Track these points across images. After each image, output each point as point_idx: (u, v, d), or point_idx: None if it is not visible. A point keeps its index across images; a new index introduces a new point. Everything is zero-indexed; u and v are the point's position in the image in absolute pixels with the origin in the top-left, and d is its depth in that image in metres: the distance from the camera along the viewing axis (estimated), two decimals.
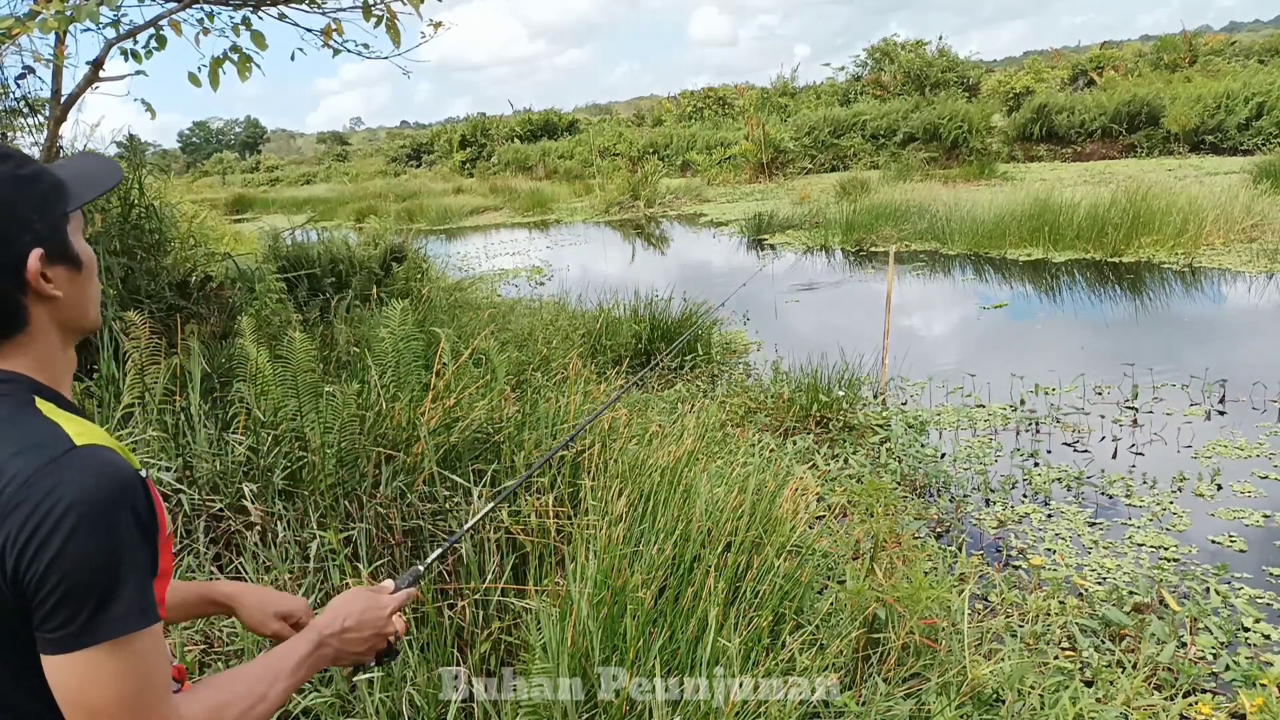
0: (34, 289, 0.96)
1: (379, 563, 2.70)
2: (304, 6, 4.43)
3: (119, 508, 0.89)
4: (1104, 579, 3.48)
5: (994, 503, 4.22)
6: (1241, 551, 3.64)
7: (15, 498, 0.86)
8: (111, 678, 0.88)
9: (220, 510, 2.91)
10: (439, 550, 1.56)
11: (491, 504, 1.77)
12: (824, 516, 3.73)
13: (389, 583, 1.33)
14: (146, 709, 0.90)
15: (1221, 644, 2.99)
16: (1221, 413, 5.13)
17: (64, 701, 0.89)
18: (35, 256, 0.96)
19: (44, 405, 0.96)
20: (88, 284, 1.04)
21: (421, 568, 1.43)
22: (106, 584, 0.88)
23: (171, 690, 0.95)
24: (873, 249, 11.68)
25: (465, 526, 1.63)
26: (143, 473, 0.96)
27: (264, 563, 2.71)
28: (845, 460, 4.66)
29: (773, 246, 12.98)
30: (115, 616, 0.88)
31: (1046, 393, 5.62)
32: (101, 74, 4.14)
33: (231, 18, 4.28)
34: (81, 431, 0.93)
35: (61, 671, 0.88)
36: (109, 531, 0.88)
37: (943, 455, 4.81)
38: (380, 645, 1.24)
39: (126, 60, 4.20)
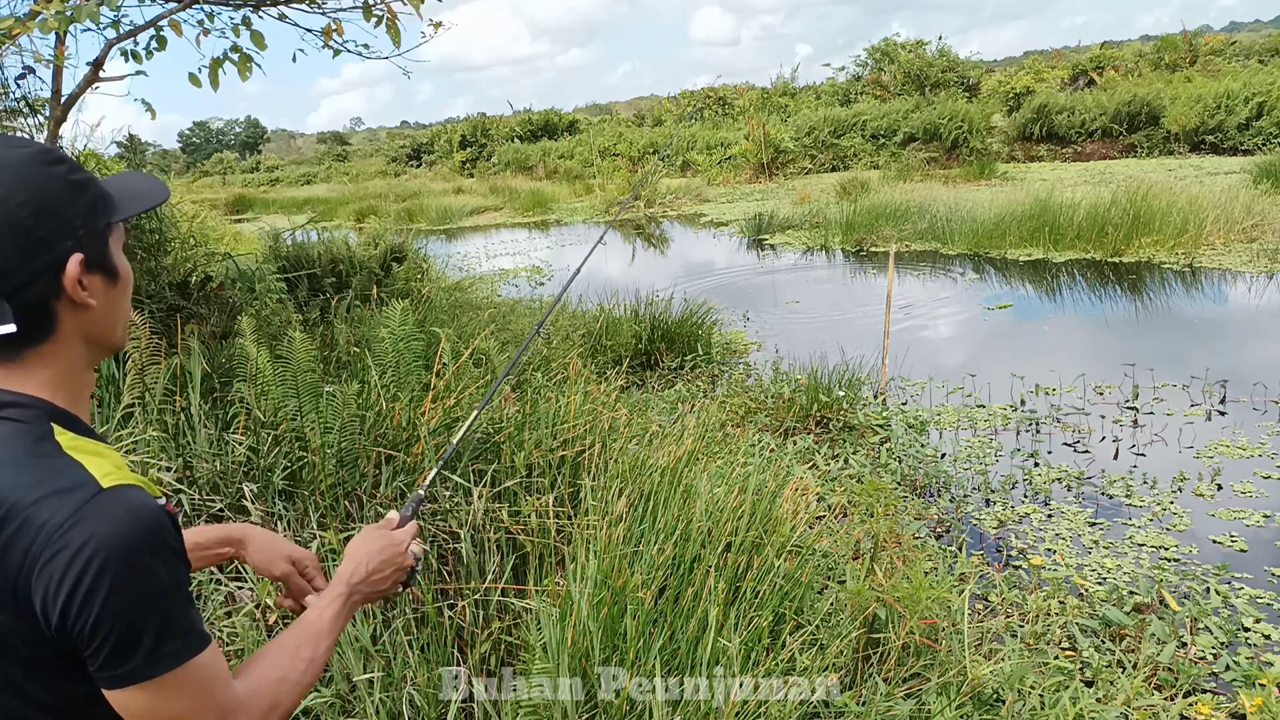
0: (69, 295, 0.95)
1: None
2: (304, 6, 4.43)
3: (156, 548, 0.90)
4: (1104, 579, 3.48)
5: (994, 503, 4.22)
6: (1242, 551, 3.64)
7: (50, 548, 0.86)
8: (179, 700, 0.92)
9: (220, 510, 2.91)
10: (434, 471, 1.58)
11: (475, 414, 1.77)
12: (824, 516, 3.73)
13: (393, 514, 1.36)
14: (217, 713, 0.95)
15: (1222, 644, 2.99)
16: (1222, 413, 5.12)
17: None
18: (75, 261, 0.95)
19: (63, 436, 0.94)
20: (121, 299, 1.04)
21: (422, 492, 1.46)
22: (158, 623, 0.90)
23: (231, 684, 0.98)
24: (873, 249, 11.68)
25: (454, 440, 1.64)
26: (161, 500, 0.96)
27: None
28: (845, 460, 4.65)
29: (773, 246, 12.97)
30: (171, 651, 0.91)
31: (1047, 393, 5.62)
32: (102, 74, 4.14)
33: (231, 18, 4.28)
34: (107, 471, 0.92)
35: (129, 702, 0.91)
36: (150, 573, 0.89)
37: (943, 455, 4.81)
38: (402, 577, 1.30)
39: (127, 60, 4.20)
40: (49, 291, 0.94)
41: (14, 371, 0.95)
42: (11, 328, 0.92)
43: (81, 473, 0.91)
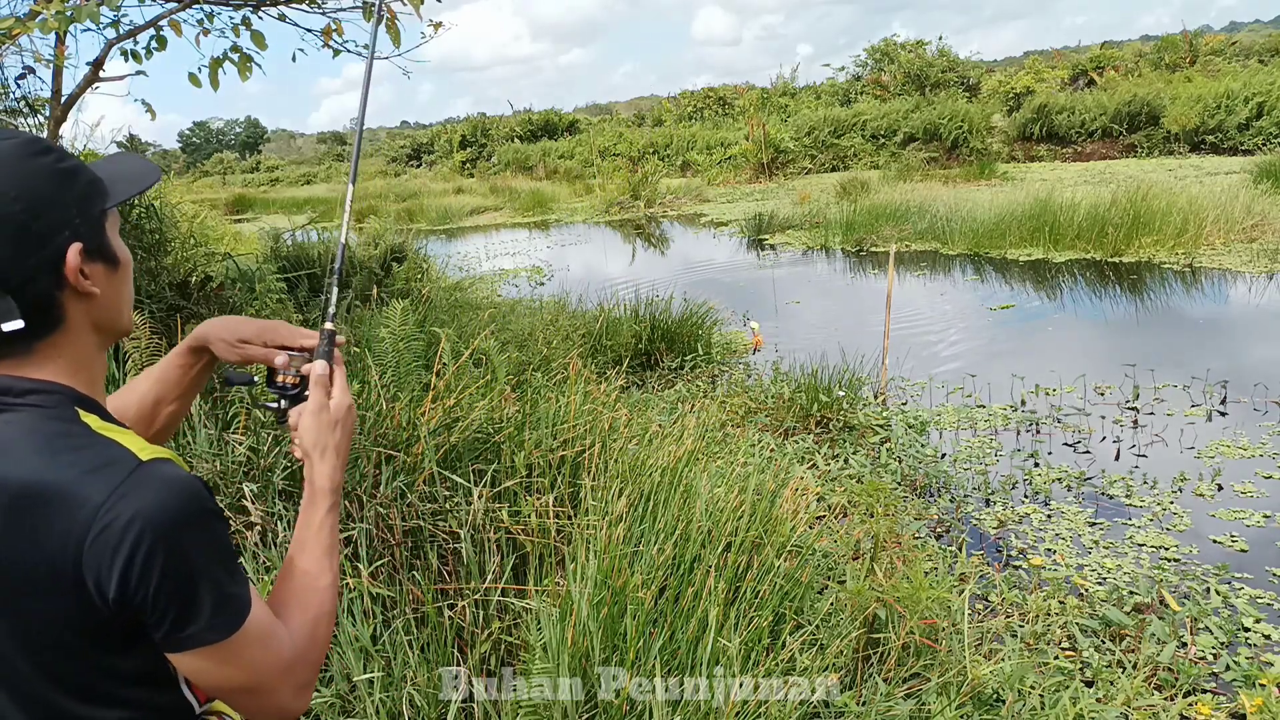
0: (71, 285, 0.95)
1: (379, 562, 2.70)
2: (304, 6, 4.43)
3: (203, 514, 0.92)
4: (1104, 579, 3.48)
5: (994, 503, 4.22)
6: (1243, 551, 3.64)
7: (98, 523, 0.86)
8: (245, 656, 0.95)
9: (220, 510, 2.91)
10: (333, 293, 1.33)
11: None
12: (824, 516, 3.73)
13: (317, 364, 1.19)
14: (283, 658, 0.98)
15: (1222, 644, 2.99)
16: (1223, 413, 5.12)
17: (210, 686, 0.97)
18: (74, 251, 0.94)
19: (89, 419, 0.95)
20: (124, 283, 1.04)
21: (329, 325, 1.25)
22: (214, 586, 0.92)
23: (286, 634, 1.00)
24: (873, 249, 11.69)
25: None
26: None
27: (264, 563, 2.71)
28: (845, 460, 4.65)
29: (773, 246, 12.97)
30: (232, 610, 0.93)
31: (1047, 393, 5.62)
32: (102, 74, 4.14)
33: (231, 18, 4.28)
34: (141, 445, 0.93)
35: (198, 665, 0.94)
36: (200, 540, 0.91)
37: (943, 455, 4.81)
38: (353, 429, 1.21)
39: (127, 60, 4.20)
40: (52, 284, 0.94)
41: (29, 363, 0.95)
42: (19, 323, 0.91)
43: (117, 449, 0.92)
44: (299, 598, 1.06)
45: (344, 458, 1.17)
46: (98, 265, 0.98)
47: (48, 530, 0.87)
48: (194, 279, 4.84)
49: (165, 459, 0.93)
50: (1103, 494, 4.22)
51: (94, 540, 0.86)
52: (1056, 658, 2.89)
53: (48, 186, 0.94)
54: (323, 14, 4.44)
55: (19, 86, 4.31)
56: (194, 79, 4.25)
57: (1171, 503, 4.07)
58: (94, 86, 4.15)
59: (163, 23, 4.13)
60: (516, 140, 33.77)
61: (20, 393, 0.93)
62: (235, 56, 4.23)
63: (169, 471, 0.92)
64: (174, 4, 4.18)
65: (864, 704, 2.43)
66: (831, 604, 2.80)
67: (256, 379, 1.26)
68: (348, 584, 2.59)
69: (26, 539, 0.87)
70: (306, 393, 1.18)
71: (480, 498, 2.82)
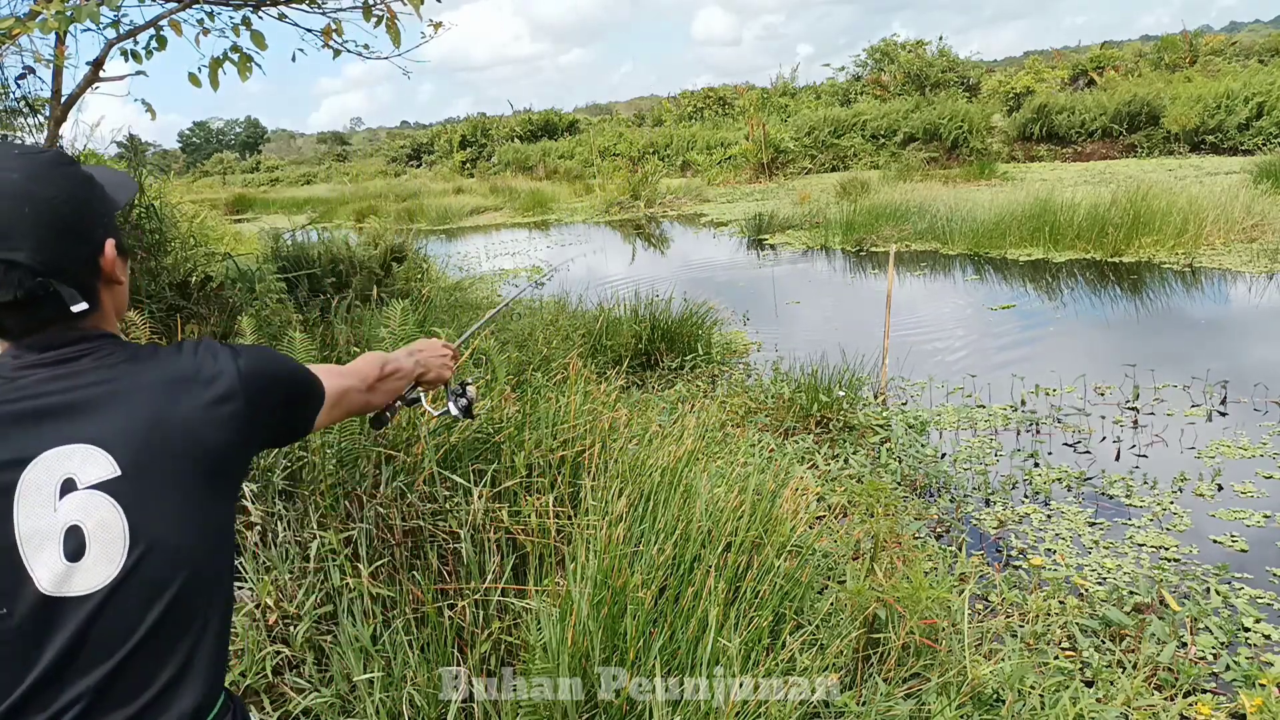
0: (106, 275, 1.13)
1: (379, 562, 2.70)
2: (304, 6, 4.43)
3: (276, 352, 1.28)
4: (1104, 579, 3.48)
5: (994, 503, 4.22)
6: (1243, 551, 3.64)
7: (245, 379, 1.16)
8: (347, 380, 1.46)
9: None
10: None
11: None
12: (824, 516, 3.73)
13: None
14: (357, 378, 1.51)
15: (1222, 644, 2.99)
16: (1223, 413, 5.12)
17: (332, 419, 1.41)
18: (110, 246, 1.12)
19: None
20: (128, 275, 1.22)
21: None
22: (304, 372, 1.32)
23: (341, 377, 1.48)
24: (873, 249, 11.69)
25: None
26: None
27: (264, 563, 2.71)
28: (845, 460, 4.65)
29: (773, 246, 12.98)
30: (311, 372, 1.35)
31: (1047, 393, 5.62)
32: (102, 74, 4.14)
33: (231, 18, 4.27)
34: None
35: (327, 410, 1.36)
36: (287, 360, 1.29)
37: (943, 455, 4.81)
38: (447, 373, 1.77)
39: (127, 60, 4.20)
40: (94, 274, 1.11)
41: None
42: (84, 304, 1.08)
43: (205, 341, 1.19)
44: (365, 360, 1.57)
45: (430, 361, 1.74)
46: (121, 258, 1.16)
47: (208, 402, 1.12)
48: (194, 279, 4.84)
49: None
50: (1103, 494, 4.22)
51: (250, 389, 1.16)
52: (1056, 658, 2.89)
53: (83, 191, 1.10)
54: (323, 14, 4.43)
55: (19, 86, 4.32)
56: (194, 79, 4.25)
57: (1171, 503, 4.07)
58: (94, 86, 4.15)
59: (163, 23, 4.13)
60: (516, 140, 33.78)
61: (95, 337, 1.11)
62: (235, 56, 4.23)
63: (243, 345, 1.25)
64: (174, 4, 4.18)
65: (864, 704, 2.43)
66: (831, 604, 2.79)
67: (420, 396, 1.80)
68: (347, 583, 2.59)
69: (194, 415, 1.10)
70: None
71: (480, 498, 2.82)
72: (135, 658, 1.04)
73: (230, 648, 2.45)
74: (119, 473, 1.03)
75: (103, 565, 1.02)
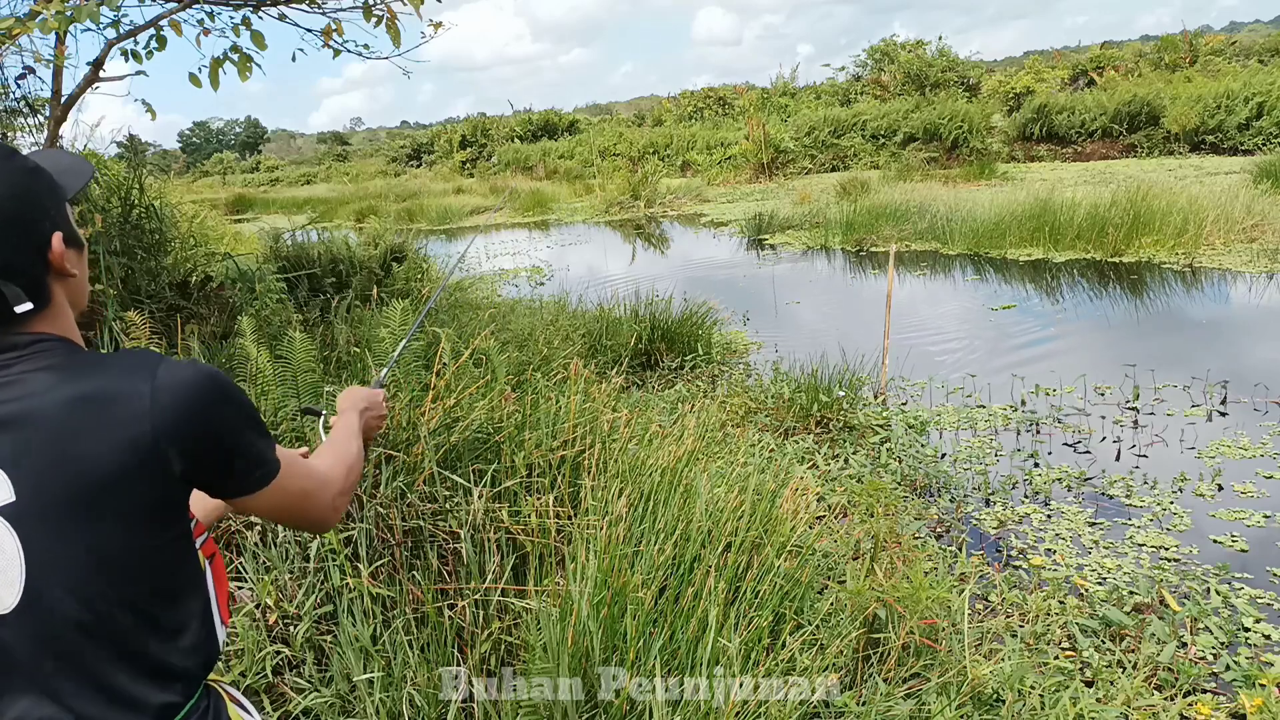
0: (56, 269, 1.07)
1: (379, 562, 2.70)
2: (304, 6, 4.43)
3: (228, 381, 1.09)
4: (1104, 579, 3.48)
5: (994, 503, 4.22)
6: (1243, 551, 3.64)
7: (157, 402, 1.01)
8: (299, 484, 1.20)
9: None
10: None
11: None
12: (824, 516, 3.73)
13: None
14: (322, 482, 1.25)
15: (1222, 644, 2.99)
16: (1223, 413, 5.12)
17: (283, 513, 1.21)
18: (58, 239, 1.06)
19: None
20: (85, 266, 1.16)
21: (383, 375, 1.89)
22: (264, 432, 1.14)
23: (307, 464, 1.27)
24: (873, 249, 11.69)
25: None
26: None
27: (264, 563, 2.71)
28: (845, 460, 4.65)
29: (773, 246, 12.97)
30: (274, 450, 1.15)
31: (1047, 393, 5.62)
32: (102, 74, 4.14)
33: (231, 18, 4.28)
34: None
35: (268, 501, 1.15)
36: (240, 395, 1.10)
37: (943, 455, 4.81)
38: (381, 421, 1.63)
39: (127, 60, 4.20)
40: (42, 269, 1.05)
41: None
42: (29, 304, 1.03)
43: (132, 352, 1.06)
44: (331, 451, 1.37)
45: (368, 414, 1.59)
46: (72, 250, 1.10)
47: (111, 424, 0.99)
48: (194, 279, 4.84)
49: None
50: (1103, 494, 4.22)
51: (159, 417, 1.00)
52: (1056, 658, 2.89)
53: (27, 184, 1.05)
54: (323, 14, 4.44)
55: (19, 86, 4.32)
56: (194, 79, 4.25)
57: (1172, 503, 4.07)
58: (94, 86, 4.15)
59: (163, 23, 4.13)
60: (517, 140, 33.79)
61: (25, 345, 1.03)
62: (235, 56, 4.23)
63: (180, 361, 1.09)
64: (174, 4, 4.18)
65: (864, 704, 2.43)
66: (831, 604, 2.79)
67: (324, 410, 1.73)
68: (347, 584, 2.59)
69: (94, 438, 0.98)
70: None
71: (480, 498, 2.82)
72: (62, 677, 1.01)
73: (230, 648, 2.45)
74: (14, 499, 0.98)
75: (3, 589, 0.99)
